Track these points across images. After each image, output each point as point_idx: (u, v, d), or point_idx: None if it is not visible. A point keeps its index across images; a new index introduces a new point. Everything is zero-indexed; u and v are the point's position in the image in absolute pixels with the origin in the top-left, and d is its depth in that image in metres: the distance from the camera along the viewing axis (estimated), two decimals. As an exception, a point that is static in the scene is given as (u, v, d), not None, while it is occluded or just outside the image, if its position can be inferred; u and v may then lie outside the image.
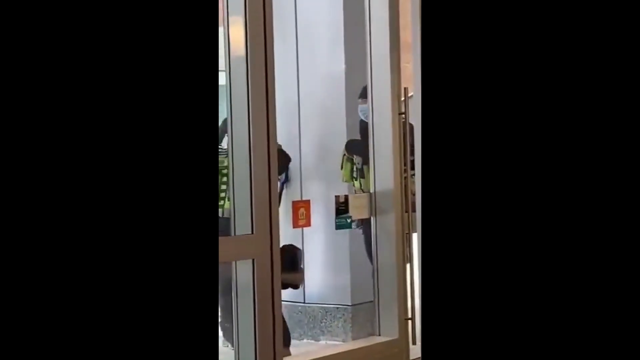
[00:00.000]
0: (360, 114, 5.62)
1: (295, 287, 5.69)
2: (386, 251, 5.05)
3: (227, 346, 6.00)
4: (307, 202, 5.15)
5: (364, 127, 5.49)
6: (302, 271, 5.73)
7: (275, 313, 4.21)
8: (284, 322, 5.56)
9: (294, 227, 5.02)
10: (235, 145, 4.20)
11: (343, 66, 5.99)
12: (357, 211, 5.12)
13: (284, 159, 5.54)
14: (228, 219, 4.31)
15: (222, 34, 4.16)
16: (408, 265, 5.09)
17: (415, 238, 5.13)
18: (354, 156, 5.74)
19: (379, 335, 5.07)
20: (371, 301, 5.20)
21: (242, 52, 4.16)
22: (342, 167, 5.84)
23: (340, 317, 6.13)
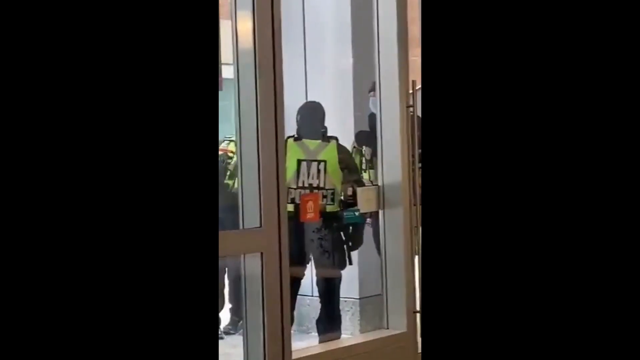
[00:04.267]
0: (371, 106, 5.61)
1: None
2: (394, 244, 5.05)
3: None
4: (316, 195, 5.15)
5: (375, 120, 5.48)
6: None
7: (284, 307, 4.22)
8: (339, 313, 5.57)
9: (302, 220, 5.03)
10: (243, 140, 4.21)
11: (351, 60, 5.98)
12: (365, 204, 5.12)
13: None
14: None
15: (230, 27, 4.15)
16: (416, 258, 5.09)
17: (424, 231, 5.11)
18: (363, 147, 5.73)
19: (387, 328, 5.07)
20: (379, 294, 5.20)
21: (250, 45, 4.16)
22: (351, 160, 5.83)
23: (349, 311, 6.14)
